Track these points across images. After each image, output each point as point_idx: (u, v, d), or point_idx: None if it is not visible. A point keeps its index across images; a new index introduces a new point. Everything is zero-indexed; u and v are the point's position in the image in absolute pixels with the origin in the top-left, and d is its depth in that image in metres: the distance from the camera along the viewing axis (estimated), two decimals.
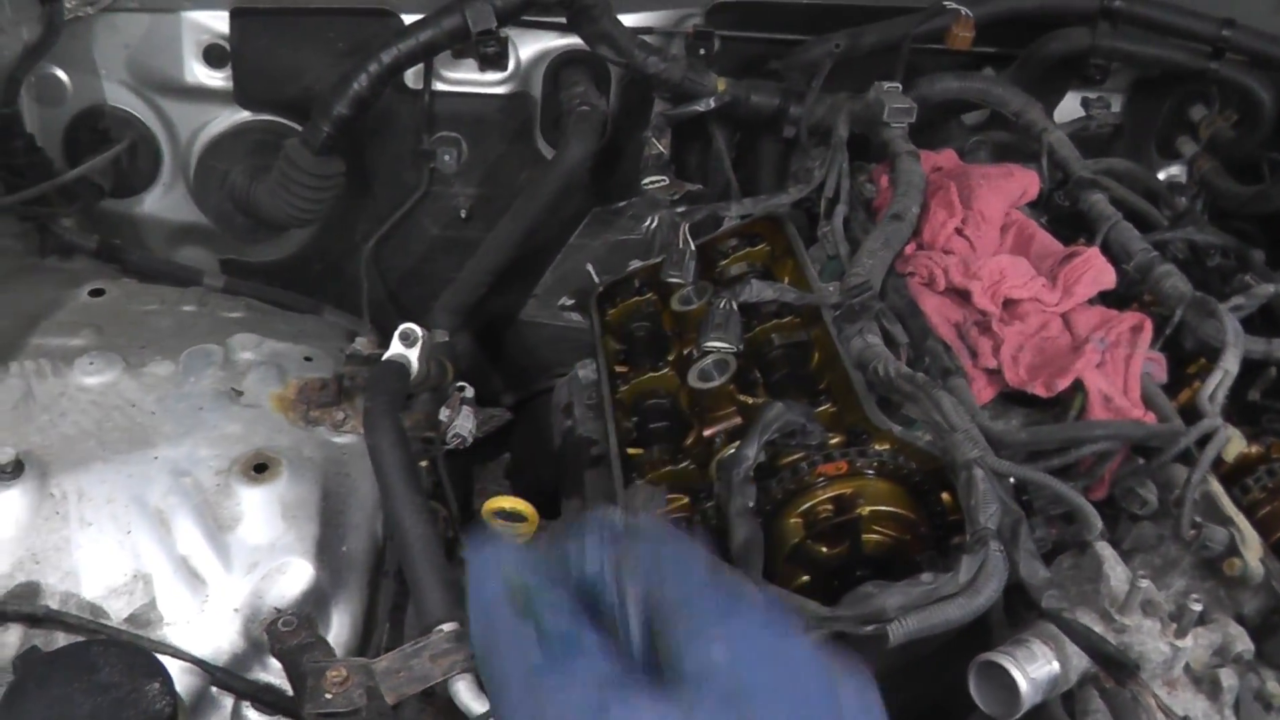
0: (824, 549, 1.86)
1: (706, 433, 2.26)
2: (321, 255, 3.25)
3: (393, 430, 1.89)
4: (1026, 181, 2.58)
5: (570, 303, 3.07)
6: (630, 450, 2.29)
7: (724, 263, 2.58)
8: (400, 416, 1.98)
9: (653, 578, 0.95)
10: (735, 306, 2.13)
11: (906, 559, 1.85)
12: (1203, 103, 3.23)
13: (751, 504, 1.80)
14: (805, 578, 1.87)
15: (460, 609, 1.74)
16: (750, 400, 2.22)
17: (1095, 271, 2.30)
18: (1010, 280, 2.20)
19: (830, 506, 1.85)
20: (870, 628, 1.57)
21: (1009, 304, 2.22)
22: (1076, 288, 2.27)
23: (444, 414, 2.18)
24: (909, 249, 2.34)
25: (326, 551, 1.86)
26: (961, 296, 2.21)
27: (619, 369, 2.50)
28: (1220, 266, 2.68)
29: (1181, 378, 2.28)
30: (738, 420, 2.12)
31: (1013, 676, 1.65)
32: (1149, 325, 2.17)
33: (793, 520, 1.87)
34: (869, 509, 1.82)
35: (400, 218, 3.08)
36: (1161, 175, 3.29)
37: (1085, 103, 3.12)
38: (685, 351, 2.43)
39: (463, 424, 2.18)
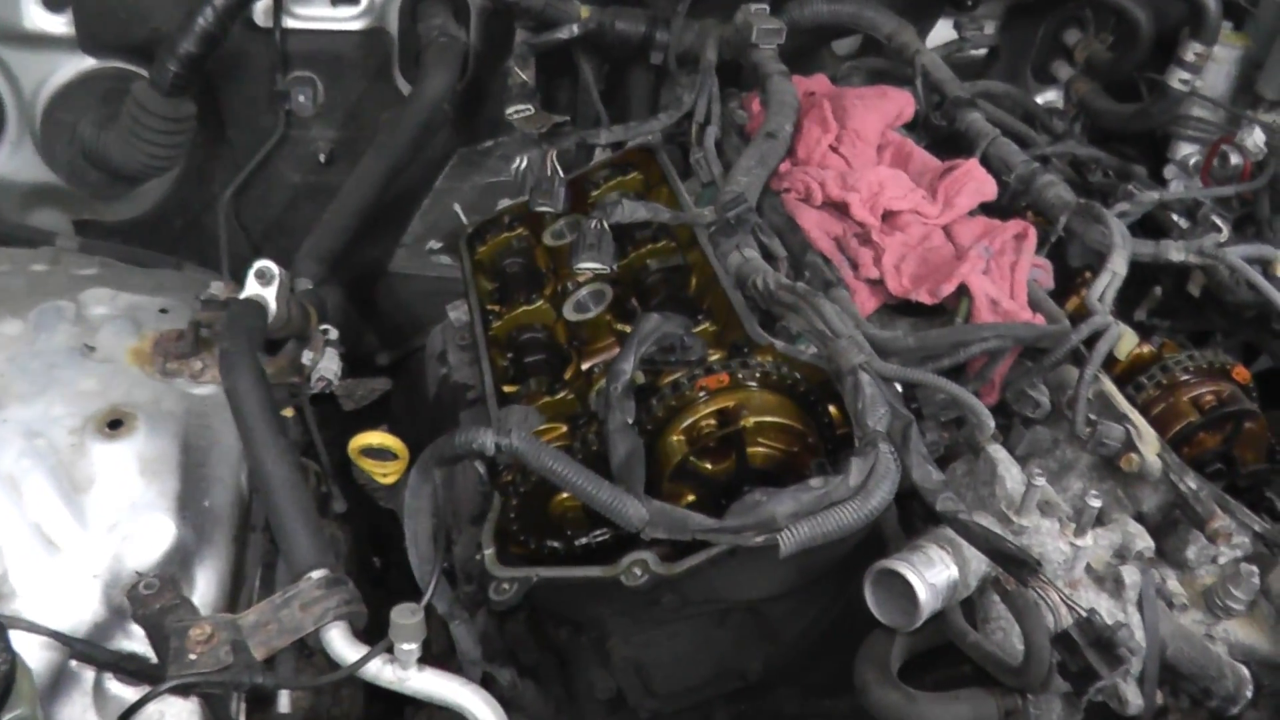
0: (709, 465, 1.77)
1: (585, 365, 2.16)
2: (180, 210, 3.07)
3: (250, 370, 1.77)
4: (902, 102, 2.53)
5: (439, 246, 2.94)
6: (506, 388, 2.18)
7: (595, 193, 2.48)
8: (259, 357, 1.85)
9: None
10: (607, 226, 2.03)
11: (796, 471, 1.77)
12: (1077, 26, 3.20)
13: (630, 419, 1.70)
14: (692, 496, 1.78)
15: (329, 555, 1.63)
16: (630, 329, 2.12)
17: (976, 183, 2.25)
18: (889, 192, 2.13)
19: (713, 421, 1.77)
20: (760, 538, 1.48)
21: (889, 216, 2.15)
22: (958, 199, 2.21)
23: (307, 357, 2.04)
24: (784, 167, 2.25)
25: (189, 507, 1.75)
26: (840, 210, 2.14)
27: (492, 308, 2.39)
28: (1101, 184, 2.65)
29: (1068, 288, 2.23)
30: (617, 350, 2.02)
31: (910, 583, 1.58)
32: (1033, 232, 2.12)
33: (676, 437, 1.78)
34: (753, 420, 1.74)
35: (257, 165, 2.91)
36: (1039, 100, 3.26)
37: (958, 25, 3.06)
38: (560, 286, 2.33)
39: (327, 365, 2.05)
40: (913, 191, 2.17)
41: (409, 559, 1.71)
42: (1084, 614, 1.53)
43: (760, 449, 1.76)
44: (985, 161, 2.39)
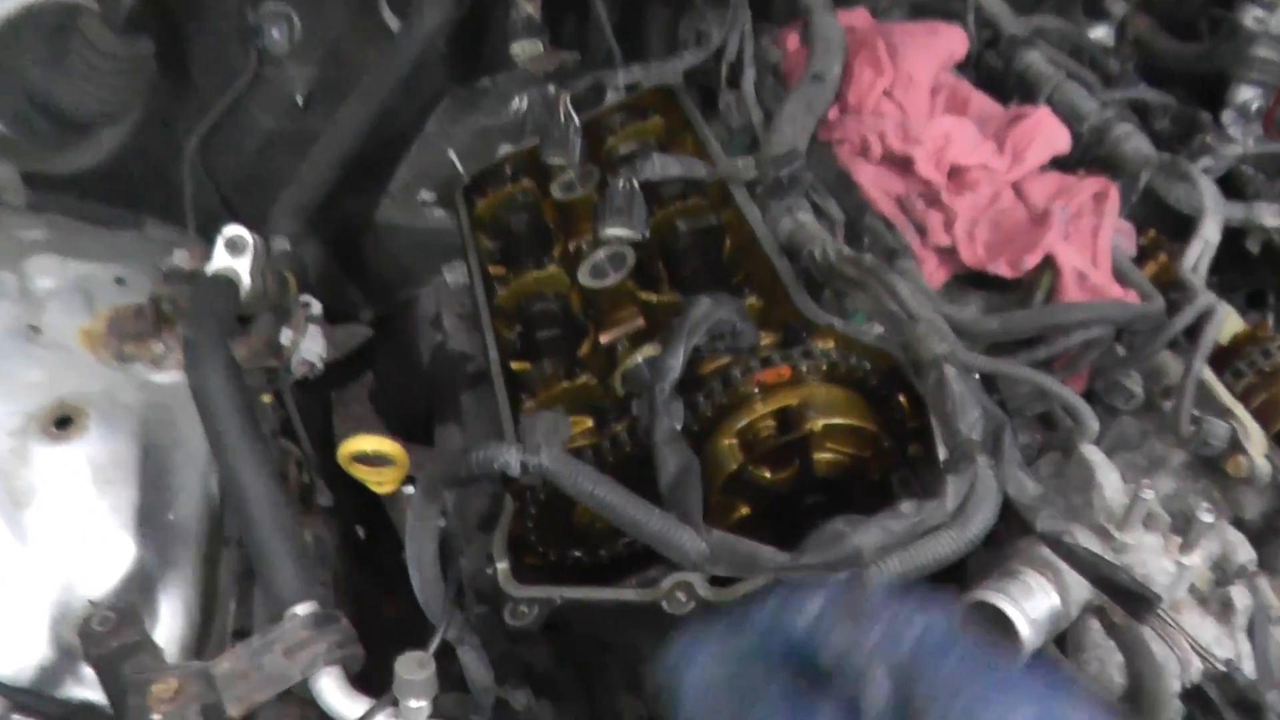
0: (767, 473, 1.52)
1: (604, 338, 1.89)
2: (141, 158, 2.75)
3: (221, 364, 1.51)
4: (954, 41, 2.24)
5: (432, 198, 2.65)
6: (515, 365, 1.91)
7: (612, 140, 2.20)
8: (230, 345, 1.58)
9: (898, 652, 0.86)
10: (637, 186, 1.75)
11: (866, 478, 1.52)
12: None
13: (679, 425, 1.44)
14: (745, 509, 1.52)
15: (316, 586, 1.38)
16: (655, 298, 1.85)
17: (1047, 134, 1.98)
18: (957, 144, 1.87)
19: (772, 422, 1.50)
20: (844, 574, 1.23)
21: (954, 173, 1.89)
22: (1028, 153, 1.95)
23: (286, 337, 1.77)
24: (832, 114, 1.98)
25: (149, 522, 1.51)
26: (900, 166, 1.87)
27: (494, 270, 2.11)
28: (1167, 133, 2.39)
29: (1140, 252, 1.98)
30: (640, 322, 1.83)
31: (1010, 619, 1.34)
32: (1115, 191, 1.87)
33: (727, 441, 1.52)
34: (821, 422, 1.47)
35: (226, 108, 2.60)
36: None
37: None
38: (573, 246, 2.05)
39: (310, 347, 1.78)
40: (981, 144, 1.90)
41: (412, 586, 1.46)
42: (1220, 667, 1.29)
43: (827, 455, 1.50)
44: (1050, 109, 2.12)
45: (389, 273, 2.89)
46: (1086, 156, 2.09)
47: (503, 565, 1.57)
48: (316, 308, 1.87)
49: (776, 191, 1.74)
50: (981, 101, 2.11)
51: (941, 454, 1.45)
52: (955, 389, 1.42)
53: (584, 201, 2.12)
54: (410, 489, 1.57)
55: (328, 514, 1.95)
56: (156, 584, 1.45)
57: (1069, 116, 2.11)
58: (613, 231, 1.74)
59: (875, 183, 1.84)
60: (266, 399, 1.85)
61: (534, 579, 1.58)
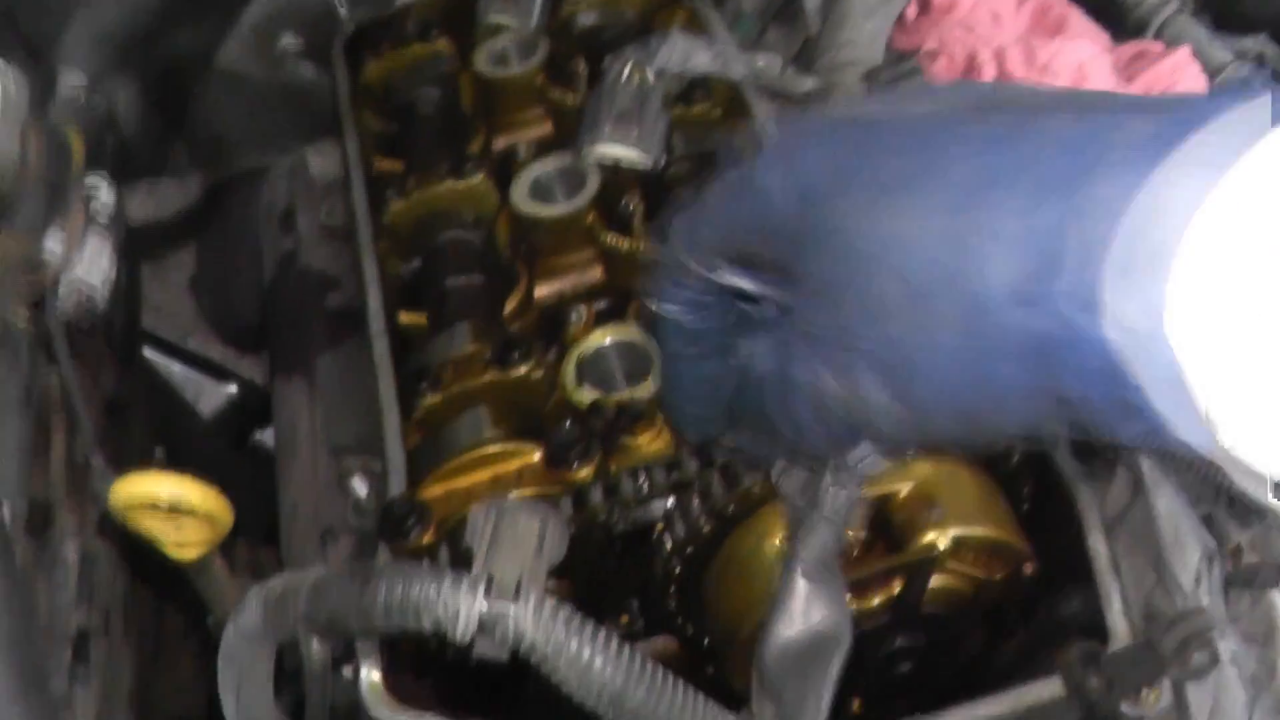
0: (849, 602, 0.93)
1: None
2: None
3: None
4: None
5: (297, 45, 1.96)
6: (404, 316, 1.28)
7: (570, 5, 1.54)
8: None
9: None
10: (652, 79, 1.12)
11: (977, 612, 0.96)
12: None
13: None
14: None
15: None
16: (623, 243, 1.28)
17: (1187, 85, 1.43)
18: (1095, 84, 1.29)
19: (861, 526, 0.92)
20: None
21: None
22: None
23: (53, 246, 1.10)
24: (910, 12, 1.37)
25: None
26: None
27: (383, 166, 1.46)
28: None
29: None
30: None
31: None
32: None
33: (775, 541, 0.92)
34: (952, 534, 0.89)
35: None
36: None
37: None
38: (500, 146, 1.43)
39: (91, 268, 1.12)
40: (1118, 87, 1.34)
41: None
42: None
43: (945, 580, 0.93)
44: None
45: (228, 134, 2.19)
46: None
47: (372, 674, 0.96)
48: (107, 196, 1.19)
49: None
50: (1080, 23, 1.54)
51: (1114, 602, 0.91)
52: (1163, 502, 0.85)
53: (520, 84, 1.48)
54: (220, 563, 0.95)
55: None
56: None
57: None
58: (609, 150, 1.11)
59: None
60: (22, 320, 1.19)
61: (420, 697, 0.98)
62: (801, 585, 0.77)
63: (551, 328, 1.24)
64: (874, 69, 1.12)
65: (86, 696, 1.12)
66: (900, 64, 1.12)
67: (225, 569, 0.99)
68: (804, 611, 0.75)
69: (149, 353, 2.25)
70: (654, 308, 0.85)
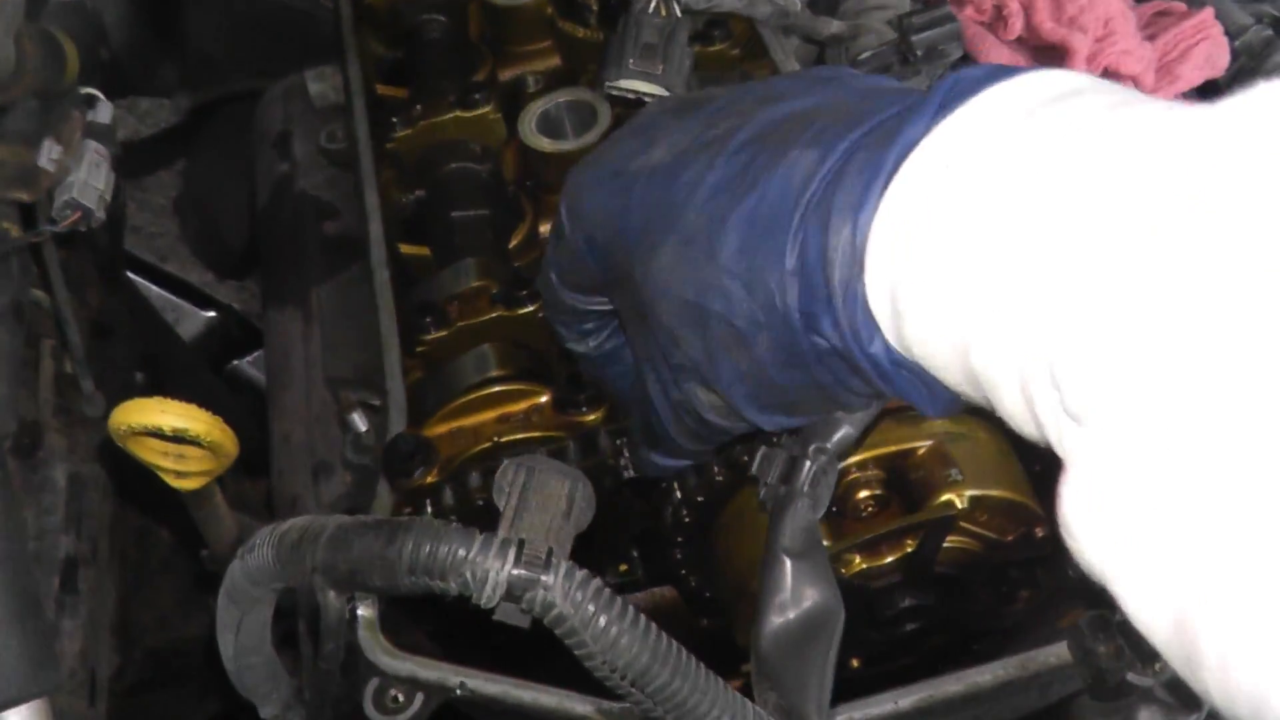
0: (860, 562, 0.91)
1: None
2: None
3: None
4: None
5: None
6: (405, 248, 1.25)
7: None
8: None
9: None
10: (678, 10, 1.08)
11: (987, 571, 0.94)
12: None
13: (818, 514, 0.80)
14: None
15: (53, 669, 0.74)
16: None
17: (1211, 46, 1.39)
18: (1121, 40, 1.26)
19: (877, 474, 0.90)
20: None
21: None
22: (1183, 67, 1.37)
23: (48, 157, 1.06)
24: None
25: None
26: (1042, 55, 1.25)
27: (385, 93, 1.42)
28: None
29: None
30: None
31: None
32: None
33: None
34: (968, 493, 0.88)
35: None
36: None
37: None
38: (507, 77, 1.39)
39: (88, 181, 1.08)
40: (1142, 45, 1.30)
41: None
42: None
43: (957, 540, 0.91)
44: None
45: (220, 54, 2.13)
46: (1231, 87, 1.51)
47: (366, 612, 0.94)
48: (105, 113, 1.15)
49: (884, 70, 1.09)
50: None
51: None
52: None
53: (529, 14, 1.44)
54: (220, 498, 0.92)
55: (95, 430, 1.27)
56: None
57: None
58: (633, 84, 1.07)
59: None
60: (14, 232, 1.14)
61: (420, 643, 0.97)
62: (788, 568, 0.75)
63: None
64: (904, 15, 1.09)
65: (74, 628, 1.10)
66: (932, 10, 1.09)
67: (225, 502, 0.96)
68: (793, 596, 0.74)
69: (128, 274, 2.21)
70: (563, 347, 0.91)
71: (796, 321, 0.65)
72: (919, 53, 1.05)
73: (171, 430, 0.79)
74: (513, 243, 1.28)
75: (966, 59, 1.15)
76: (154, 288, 2.50)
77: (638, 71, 1.05)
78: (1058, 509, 0.52)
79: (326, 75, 1.61)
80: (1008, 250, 0.54)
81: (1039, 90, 0.59)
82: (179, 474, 0.85)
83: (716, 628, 1.09)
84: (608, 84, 1.07)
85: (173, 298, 2.49)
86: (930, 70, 1.07)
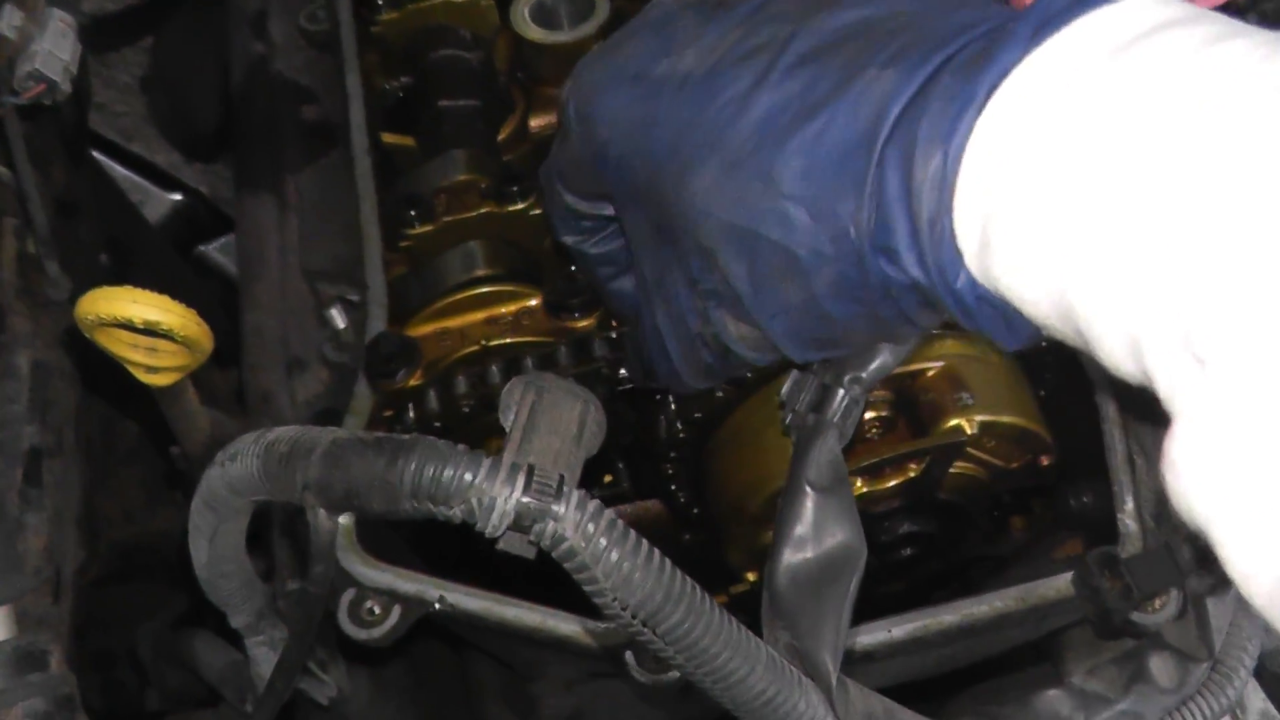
0: (861, 485, 0.88)
1: (536, 123, 1.23)
2: None
3: None
4: None
5: None
6: (387, 137, 1.19)
7: None
8: None
9: None
10: None
11: (989, 503, 0.91)
12: None
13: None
14: None
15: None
16: None
17: None
18: None
19: (885, 395, 0.86)
20: None
21: None
22: None
23: (9, 23, 0.99)
24: None
25: None
26: None
27: None
28: None
29: None
30: None
31: None
32: None
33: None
34: (979, 419, 0.84)
35: None
36: None
37: None
38: None
39: (52, 51, 1.01)
40: None
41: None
42: None
43: (964, 467, 0.88)
44: None
45: None
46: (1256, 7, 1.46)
47: (343, 520, 0.89)
48: None
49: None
50: None
51: (1126, 501, 0.86)
52: None
53: None
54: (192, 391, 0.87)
55: (60, 315, 1.21)
56: None
57: None
58: None
59: None
60: None
61: (397, 554, 0.93)
62: (810, 503, 0.72)
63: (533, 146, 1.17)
64: None
65: (38, 523, 1.05)
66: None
67: (197, 398, 0.91)
68: (814, 532, 0.70)
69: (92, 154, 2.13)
70: (558, 239, 0.85)
71: (870, 254, 0.60)
72: None
73: (143, 323, 0.73)
74: (501, 135, 1.23)
75: None
76: (119, 168, 2.41)
77: None
78: (1166, 451, 0.49)
79: None
80: (1114, 196, 0.51)
81: (1136, 21, 0.55)
82: (150, 369, 0.80)
83: (700, 542, 1.06)
84: None
85: (138, 179, 2.41)
86: None
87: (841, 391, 0.71)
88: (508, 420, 0.65)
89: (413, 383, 0.95)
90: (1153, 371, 0.51)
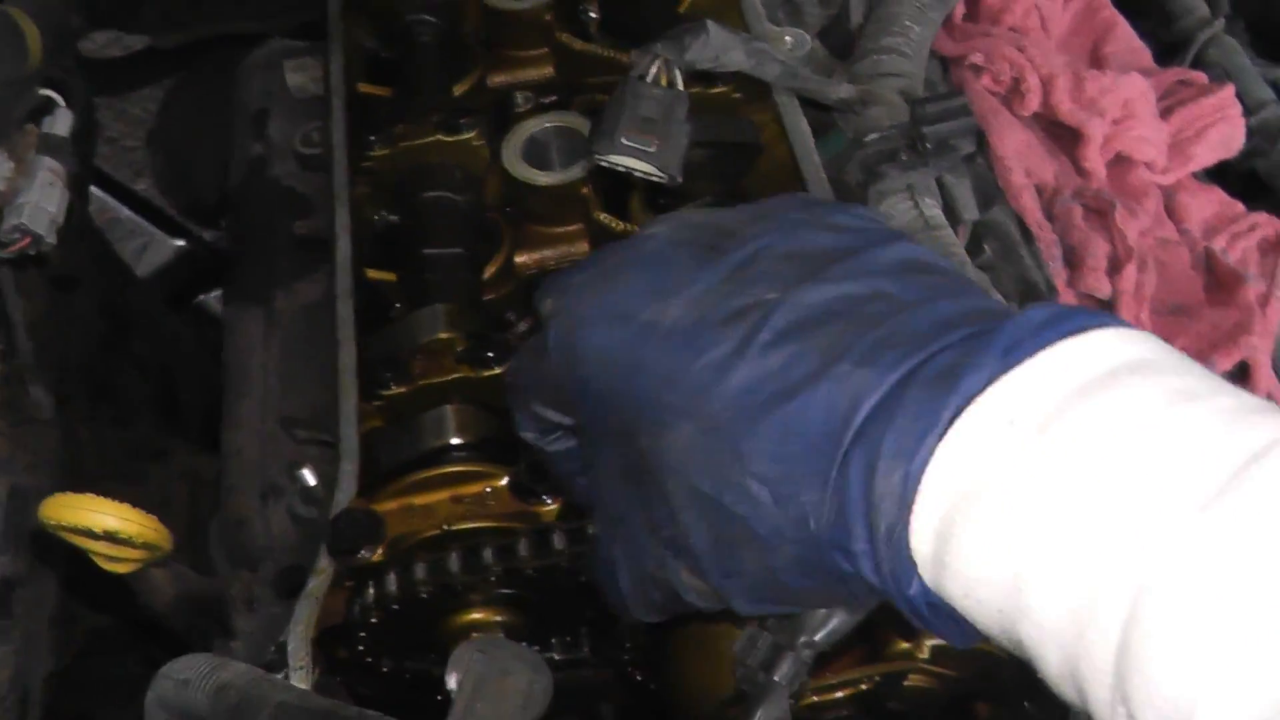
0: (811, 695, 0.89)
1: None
2: None
3: None
4: None
5: None
6: (372, 274, 1.20)
7: None
8: None
9: None
10: (680, 82, 1.02)
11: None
12: None
13: None
14: None
15: None
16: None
17: (1227, 127, 1.35)
18: (1138, 125, 1.22)
19: None
20: None
21: (1116, 164, 1.24)
22: (1197, 148, 1.33)
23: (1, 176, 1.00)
24: (956, 11, 1.28)
25: None
26: (1058, 136, 1.21)
27: (367, 90, 1.36)
28: None
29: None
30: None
31: None
32: None
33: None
34: (932, 641, 0.85)
35: None
36: None
37: None
38: (495, 83, 1.38)
39: (40, 204, 1.02)
40: (1159, 129, 1.26)
41: None
42: None
43: (918, 681, 0.89)
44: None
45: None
46: (1242, 168, 1.47)
47: (299, 671, 0.90)
48: (63, 123, 1.08)
49: (890, 156, 1.03)
50: (1127, 35, 1.45)
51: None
52: None
53: (527, 19, 1.38)
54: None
55: (41, 433, 1.22)
56: None
57: None
58: (625, 161, 1.01)
59: (1021, 154, 1.16)
60: None
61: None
62: None
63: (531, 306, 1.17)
64: (918, 101, 1.03)
65: (5, 654, 1.06)
66: (947, 100, 1.03)
67: (164, 574, 0.92)
68: None
69: (96, 191, 2.14)
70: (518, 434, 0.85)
71: (827, 547, 0.61)
72: (929, 145, 0.99)
73: (103, 531, 0.74)
74: (487, 274, 1.24)
75: (981, 149, 1.09)
76: (125, 210, 2.43)
77: (631, 148, 0.98)
78: None
79: (307, 66, 1.54)
80: (1063, 546, 0.54)
81: (1104, 357, 0.58)
82: (111, 560, 0.81)
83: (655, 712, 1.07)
84: (597, 156, 1.01)
85: (143, 222, 2.42)
86: (937, 163, 1.02)
87: (793, 655, 0.72)
88: (453, 684, 0.65)
89: (375, 559, 0.96)
90: (1093, 712, 0.54)
